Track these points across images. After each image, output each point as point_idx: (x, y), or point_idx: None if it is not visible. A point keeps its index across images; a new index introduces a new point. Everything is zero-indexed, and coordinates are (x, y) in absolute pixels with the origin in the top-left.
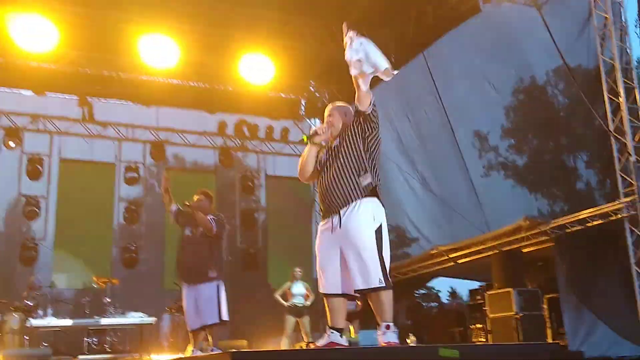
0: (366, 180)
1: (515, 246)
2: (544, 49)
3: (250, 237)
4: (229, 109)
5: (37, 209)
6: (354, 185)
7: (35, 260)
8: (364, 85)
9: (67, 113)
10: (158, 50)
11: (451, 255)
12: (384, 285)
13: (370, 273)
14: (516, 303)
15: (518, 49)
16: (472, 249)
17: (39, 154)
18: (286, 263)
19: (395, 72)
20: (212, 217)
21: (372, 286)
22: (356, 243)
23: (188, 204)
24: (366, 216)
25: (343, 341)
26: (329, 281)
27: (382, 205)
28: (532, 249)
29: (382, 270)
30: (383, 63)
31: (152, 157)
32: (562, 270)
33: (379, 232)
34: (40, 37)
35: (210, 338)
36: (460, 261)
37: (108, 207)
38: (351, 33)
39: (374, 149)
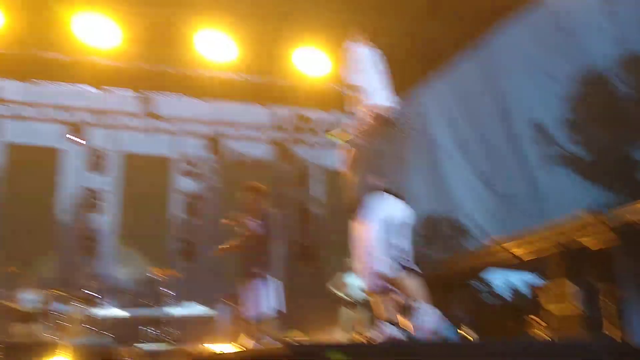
0: None
1: (576, 239)
2: (606, 37)
3: (305, 230)
4: (285, 102)
5: (99, 202)
6: None
7: (96, 251)
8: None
9: (128, 108)
10: (214, 45)
11: (509, 248)
12: None
13: None
14: (575, 297)
15: (579, 38)
16: (531, 241)
17: (100, 148)
18: (341, 255)
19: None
20: (256, 223)
21: None
22: None
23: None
24: None
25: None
26: None
27: None
28: (593, 242)
29: None
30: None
31: (209, 150)
32: (625, 264)
33: None
34: (102, 35)
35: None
36: (518, 254)
37: (167, 200)
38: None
39: None
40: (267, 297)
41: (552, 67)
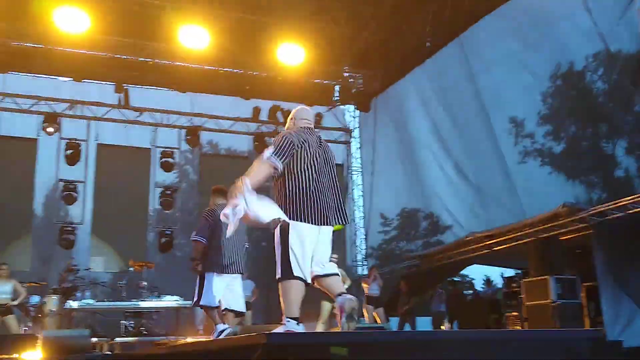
0: None
1: (553, 233)
2: (583, 33)
3: None
4: (264, 94)
5: (74, 194)
6: None
7: (73, 243)
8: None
9: (104, 99)
10: (193, 37)
11: (487, 242)
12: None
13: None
14: (553, 291)
15: (556, 34)
16: (509, 236)
17: (76, 140)
18: None
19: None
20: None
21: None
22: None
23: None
24: None
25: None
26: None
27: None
28: (570, 236)
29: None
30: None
31: (188, 142)
32: (601, 258)
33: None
34: (76, 23)
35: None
36: (496, 248)
37: (144, 192)
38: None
39: None
40: (207, 291)
41: (530, 62)
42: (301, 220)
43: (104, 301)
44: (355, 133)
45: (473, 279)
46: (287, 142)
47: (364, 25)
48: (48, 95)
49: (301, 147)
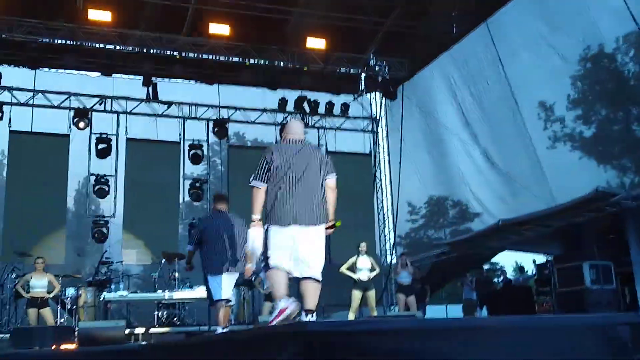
0: None
1: (585, 219)
2: (613, 14)
3: None
4: (290, 85)
5: (106, 188)
6: None
7: (106, 237)
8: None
9: (133, 93)
10: (218, 29)
11: (518, 229)
12: None
13: None
14: (587, 277)
15: (586, 15)
16: (541, 222)
17: (106, 134)
18: (348, 238)
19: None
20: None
21: None
22: None
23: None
24: None
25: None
26: None
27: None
28: (601, 221)
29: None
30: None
31: (215, 135)
32: (635, 242)
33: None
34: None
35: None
36: (527, 235)
37: (174, 184)
38: None
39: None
40: (216, 289)
41: (559, 45)
42: (272, 224)
43: (137, 293)
44: (382, 121)
45: (503, 266)
46: (263, 162)
47: (389, 11)
48: (78, 90)
49: (276, 159)
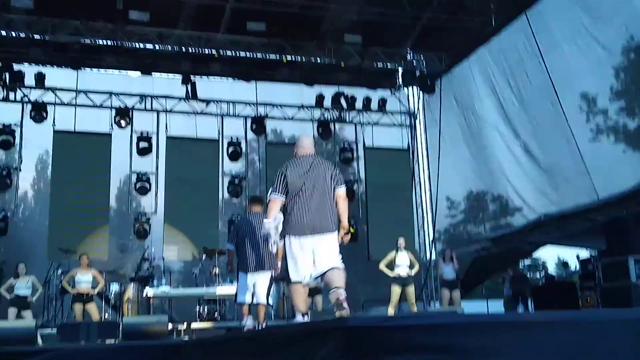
0: None
1: (630, 212)
2: None
3: (349, 209)
4: (327, 81)
5: (147, 185)
6: None
7: (147, 233)
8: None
9: (172, 92)
10: (255, 27)
11: (561, 223)
12: None
13: None
14: (633, 271)
15: (629, 4)
16: (584, 216)
17: (147, 132)
18: (387, 233)
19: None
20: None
21: None
22: None
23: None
24: None
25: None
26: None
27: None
28: None
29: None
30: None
31: (253, 132)
32: None
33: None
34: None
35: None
36: (570, 229)
37: (213, 181)
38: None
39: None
40: (242, 289)
41: (601, 36)
42: (289, 234)
43: (178, 288)
44: (420, 116)
45: (545, 262)
46: (280, 177)
47: (426, 4)
48: (119, 90)
49: (289, 174)
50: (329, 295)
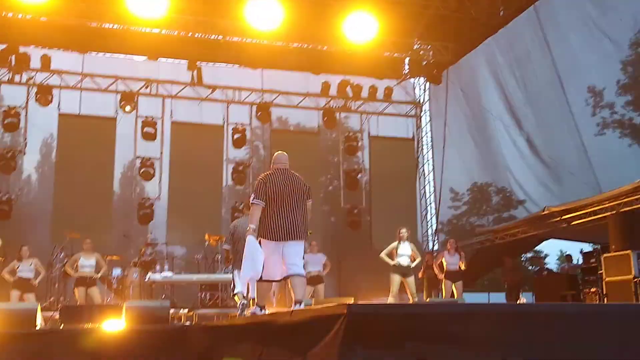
0: None
1: (635, 207)
2: None
3: (353, 197)
4: (333, 69)
5: (151, 170)
6: None
7: (151, 218)
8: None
9: (178, 77)
10: (263, 13)
11: (564, 217)
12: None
13: None
14: (636, 266)
15: None
16: (588, 210)
17: (152, 117)
18: (390, 223)
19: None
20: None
21: None
22: None
23: None
24: None
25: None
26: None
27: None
28: None
29: None
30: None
31: (258, 119)
32: None
33: None
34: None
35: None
36: (573, 223)
37: (217, 168)
38: None
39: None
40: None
41: (609, 29)
42: (265, 238)
43: (181, 274)
44: (426, 106)
45: (547, 254)
46: (261, 184)
47: None
48: (124, 74)
49: (268, 184)
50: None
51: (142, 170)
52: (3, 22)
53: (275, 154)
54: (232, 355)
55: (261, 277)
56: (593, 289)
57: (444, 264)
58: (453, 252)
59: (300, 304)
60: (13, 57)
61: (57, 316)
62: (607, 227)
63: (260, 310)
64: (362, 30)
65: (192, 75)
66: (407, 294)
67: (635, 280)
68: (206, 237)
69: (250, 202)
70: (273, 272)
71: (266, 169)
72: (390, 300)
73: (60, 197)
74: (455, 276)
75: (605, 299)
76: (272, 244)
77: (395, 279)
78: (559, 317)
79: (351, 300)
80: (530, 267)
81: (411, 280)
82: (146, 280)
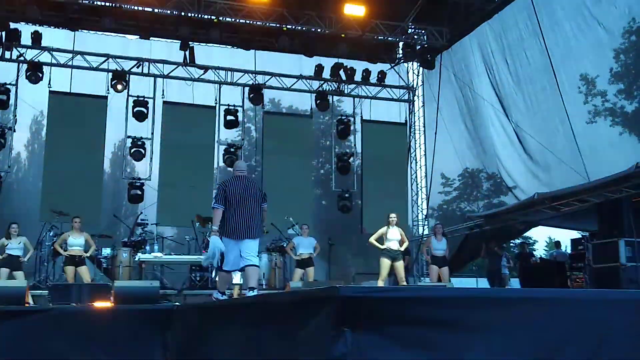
0: None
1: (624, 195)
2: None
3: (344, 181)
4: (326, 52)
5: (142, 150)
6: None
7: (141, 199)
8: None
9: (170, 57)
10: None
11: (554, 204)
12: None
13: None
14: (623, 254)
15: None
16: (578, 197)
17: (143, 97)
18: (381, 207)
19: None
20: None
21: None
22: None
23: None
24: None
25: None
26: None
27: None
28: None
29: None
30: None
31: (251, 101)
32: None
33: None
34: None
35: None
36: (563, 210)
37: (209, 149)
38: None
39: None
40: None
41: (602, 17)
42: (225, 236)
43: (171, 255)
44: (418, 91)
45: (536, 241)
46: (220, 190)
47: None
48: (116, 53)
49: (227, 190)
50: (247, 290)
51: (132, 150)
52: None
53: (236, 162)
54: (222, 335)
55: (222, 267)
56: (580, 275)
57: (431, 249)
58: (440, 237)
59: (254, 290)
60: (3, 34)
61: (47, 294)
62: (596, 214)
63: (221, 295)
64: (356, 13)
65: (185, 55)
66: (397, 278)
67: (623, 267)
68: (196, 218)
69: (212, 206)
70: (233, 263)
71: (258, 151)
72: (380, 283)
73: (50, 175)
74: (441, 261)
75: (592, 286)
76: (232, 241)
77: (385, 262)
78: (551, 303)
79: (341, 283)
80: (521, 254)
81: (400, 264)
82: (136, 260)
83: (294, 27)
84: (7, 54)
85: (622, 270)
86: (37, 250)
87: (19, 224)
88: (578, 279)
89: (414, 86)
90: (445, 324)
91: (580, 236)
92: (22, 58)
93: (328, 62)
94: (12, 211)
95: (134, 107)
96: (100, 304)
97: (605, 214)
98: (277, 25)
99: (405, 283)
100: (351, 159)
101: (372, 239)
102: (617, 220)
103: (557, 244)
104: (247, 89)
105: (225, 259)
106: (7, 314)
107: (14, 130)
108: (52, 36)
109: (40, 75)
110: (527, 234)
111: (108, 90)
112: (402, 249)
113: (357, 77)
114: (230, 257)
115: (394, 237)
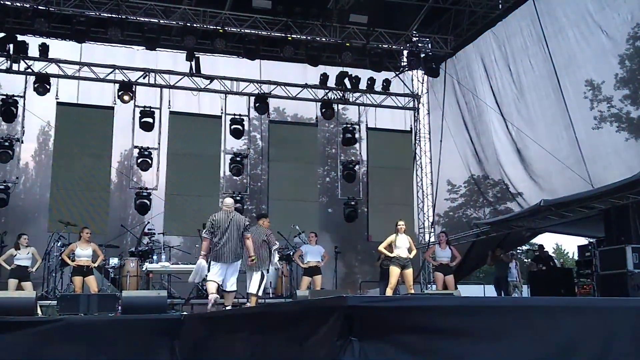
0: None
1: (632, 201)
2: None
3: (350, 189)
4: (331, 61)
5: (149, 160)
6: None
7: (148, 208)
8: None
9: (176, 67)
10: (261, 4)
11: (560, 210)
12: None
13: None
14: (630, 260)
15: None
16: (584, 204)
17: (150, 107)
18: (387, 215)
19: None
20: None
21: None
22: None
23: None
24: None
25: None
26: None
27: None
28: None
29: None
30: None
31: (256, 110)
32: None
33: None
34: None
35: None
36: (569, 216)
37: (215, 158)
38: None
39: None
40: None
41: (607, 23)
42: (213, 261)
43: (178, 264)
44: (423, 99)
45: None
46: (210, 223)
47: None
48: (123, 64)
49: (216, 222)
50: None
51: (139, 160)
52: (1, 9)
53: (225, 198)
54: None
55: (207, 278)
56: (587, 282)
57: (436, 257)
58: (444, 245)
59: (225, 307)
60: (11, 46)
61: (55, 305)
62: (602, 221)
63: (214, 296)
64: (360, 22)
65: (191, 65)
66: (406, 286)
67: (630, 274)
68: (203, 227)
69: (202, 235)
70: (218, 278)
71: (264, 159)
72: (388, 292)
73: (58, 186)
74: (446, 269)
75: (599, 293)
76: (219, 264)
77: (395, 270)
78: (558, 311)
79: (348, 292)
80: (527, 261)
81: (409, 272)
82: (143, 270)
83: (298, 36)
84: (15, 66)
85: (629, 276)
86: (45, 261)
87: (27, 234)
88: (586, 285)
89: (419, 94)
90: (451, 332)
91: (587, 242)
92: (29, 70)
93: (333, 71)
94: (20, 222)
95: (140, 118)
96: (108, 315)
97: (611, 221)
98: (282, 35)
99: (412, 291)
100: (357, 166)
101: (382, 247)
102: (624, 226)
103: (541, 248)
104: (252, 98)
105: (210, 270)
106: (17, 325)
107: (22, 142)
108: (60, 48)
109: (48, 86)
110: (533, 240)
111: (115, 100)
112: (411, 256)
113: (362, 85)
114: (217, 272)
115: (403, 245)
